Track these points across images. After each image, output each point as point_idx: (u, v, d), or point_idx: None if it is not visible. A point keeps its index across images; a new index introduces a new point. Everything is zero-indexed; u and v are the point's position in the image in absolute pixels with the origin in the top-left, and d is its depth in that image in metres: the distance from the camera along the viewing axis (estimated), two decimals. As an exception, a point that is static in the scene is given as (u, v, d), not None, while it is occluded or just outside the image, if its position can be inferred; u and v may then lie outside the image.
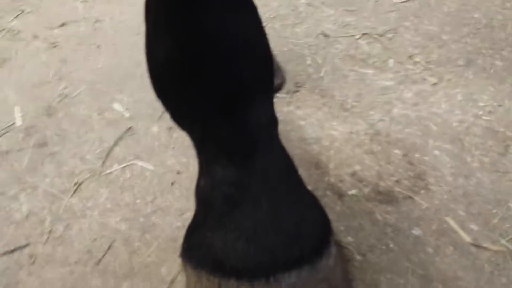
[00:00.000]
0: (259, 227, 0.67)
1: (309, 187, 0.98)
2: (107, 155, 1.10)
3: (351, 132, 1.11)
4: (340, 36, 1.45)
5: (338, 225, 0.90)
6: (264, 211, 0.68)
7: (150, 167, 1.05)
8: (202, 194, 0.74)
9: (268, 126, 0.75)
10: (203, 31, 0.65)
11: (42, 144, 1.14)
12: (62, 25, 1.65)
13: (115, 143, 1.13)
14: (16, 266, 0.88)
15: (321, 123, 1.15)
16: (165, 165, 1.05)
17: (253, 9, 0.76)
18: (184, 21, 0.65)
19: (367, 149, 1.06)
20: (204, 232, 0.70)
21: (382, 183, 0.98)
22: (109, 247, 0.89)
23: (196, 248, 0.70)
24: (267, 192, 0.70)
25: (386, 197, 0.95)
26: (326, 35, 1.46)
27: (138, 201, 0.98)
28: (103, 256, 0.87)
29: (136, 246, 0.89)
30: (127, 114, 1.21)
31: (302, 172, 1.02)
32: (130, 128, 1.17)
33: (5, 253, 0.89)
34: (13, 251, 0.89)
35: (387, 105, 1.18)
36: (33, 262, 0.88)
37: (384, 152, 1.05)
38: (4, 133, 1.18)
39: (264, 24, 1.55)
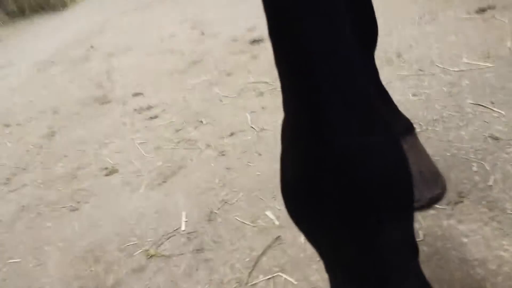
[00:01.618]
0: None
1: (470, 322, 0.84)
2: (255, 265, 1.12)
3: (526, 255, 0.94)
4: (513, 139, 1.29)
5: None
6: None
7: (294, 281, 1.03)
8: None
9: (404, 253, 0.68)
10: (328, 161, 0.64)
11: (200, 250, 1.22)
12: (232, 134, 1.81)
13: (263, 253, 1.14)
14: None
15: (487, 242, 1.00)
16: (308, 280, 1.02)
17: (388, 128, 0.72)
18: (309, 145, 0.65)
19: (548, 278, 0.88)
20: None
21: None
22: None
23: None
24: None
25: None
26: (496, 138, 1.31)
27: (278, 318, 0.95)
28: None
29: None
30: (277, 222, 1.24)
31: (461, 301, 0.88)
32: (278, 237, 1.18)
33: None
34: None
35: None
36: None
37: None
38: (169, 237, 1.30)
39: (425, 127, 1.48)
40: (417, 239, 1.07)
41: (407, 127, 1.24)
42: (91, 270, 1.25)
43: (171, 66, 2.73)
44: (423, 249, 1.05)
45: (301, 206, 0.70)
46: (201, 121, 2.01)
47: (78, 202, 1.60)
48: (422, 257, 1.02)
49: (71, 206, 1.59)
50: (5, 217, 1.62)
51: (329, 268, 0.72)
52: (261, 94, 2.10)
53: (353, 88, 0.63)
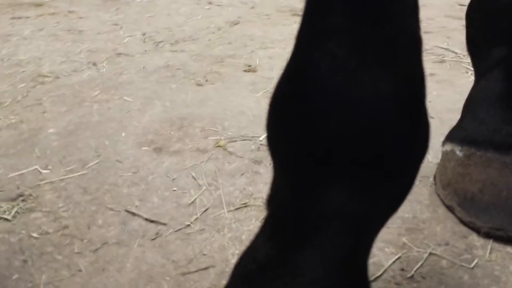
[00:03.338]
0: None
1: None
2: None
3: None
4: None
5: None
6: None
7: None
8: (243, 254, 0.66)
9: (346, 219, 0.56)
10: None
11: (257, 162, 1.20)
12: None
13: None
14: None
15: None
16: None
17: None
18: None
19: None
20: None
21: None
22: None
23: None
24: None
25: None
26: None
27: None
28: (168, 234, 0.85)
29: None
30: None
31: None
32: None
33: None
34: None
35: None
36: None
37: None
38: (244, 140, 1.30)
39: None
40: (467, 265, 0.87)
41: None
42: (170, 133, 1.34)
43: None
44: (462, 276, 0.85)
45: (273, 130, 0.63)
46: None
47: (207, 80, 1.70)
48: (455, 277, 0.84)
49: (199, 80, 1.69)
50: (150, 66, 1.81)
51: (269, 200, 0.65)
52: (442, 61, 1.85)
53: None
